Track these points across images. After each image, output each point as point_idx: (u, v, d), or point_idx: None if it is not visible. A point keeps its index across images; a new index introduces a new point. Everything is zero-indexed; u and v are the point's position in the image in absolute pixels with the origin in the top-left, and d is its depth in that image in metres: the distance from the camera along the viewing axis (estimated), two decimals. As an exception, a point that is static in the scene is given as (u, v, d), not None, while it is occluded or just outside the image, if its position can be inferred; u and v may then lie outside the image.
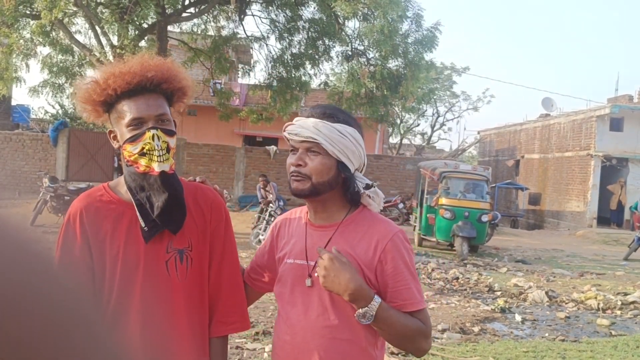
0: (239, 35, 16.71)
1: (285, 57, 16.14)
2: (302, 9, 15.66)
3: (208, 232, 2.00)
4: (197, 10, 15.54)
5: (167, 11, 14.02)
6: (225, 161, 22.40)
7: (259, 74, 49.59)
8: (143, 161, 1.83)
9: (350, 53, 16.02)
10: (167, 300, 1.90)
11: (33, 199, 16.23)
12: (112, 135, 1.92)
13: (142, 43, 15.10)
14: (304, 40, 15.91)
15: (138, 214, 1.88)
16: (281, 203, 13.29)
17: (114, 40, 14.55)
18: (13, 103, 30.58)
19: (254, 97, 21.28)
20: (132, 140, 1.83)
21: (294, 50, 16.13)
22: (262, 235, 12.45)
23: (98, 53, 14.13)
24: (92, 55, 14.17)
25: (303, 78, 16.43)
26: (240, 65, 20.63)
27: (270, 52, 16.54)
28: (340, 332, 1.87)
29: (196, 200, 2.01)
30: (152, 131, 1.81)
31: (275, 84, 16.25)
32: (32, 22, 14.30)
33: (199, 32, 16.60)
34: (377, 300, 1.78)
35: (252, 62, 18.82)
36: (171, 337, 1.90)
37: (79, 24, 16.23)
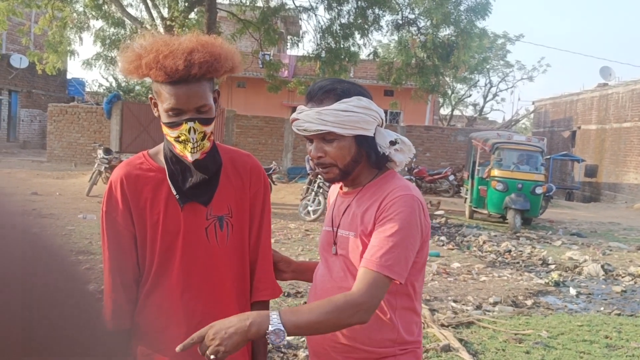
0: (287, 6, 16.60)
1: (334, 27, 15.96)
2: (351, -22, 15.43)
3: (247, 198, 1.99)
4: (246, -19, 15.49)
5: (216, -18, 14.00)
6: (274, 133, 22.48)
7: (307, 45, 49.70)
8: (178, 146, 1.83)
9: (400, 22, 15.75)
10: (207, 266, 1.90)
11: (88, 170, 16.67)
12: (153, 101, 1.89)
13: (192, 15, 15.16)
14: (353, 10, 15.69)
15: (170, 183, 1.89)
16: (330, 174, 13.25)
17: (165, 12, 14.65)
18: (68, 76, 31.36)
19: (302, 69, 21.21)
20: (169, 126, 1.81)
21: (343, 20, 15.93)
22: (311, 206, 12.48)
23: (149, 25, 14.27)
24: (143, 27, 14.31)
25: (352, 48, 16.24)
26: (288, 37, 20.56)
27: (319, 22, 16.40)
28: None
29: (235, 166, 1.99)
30: (190, 124, 1.78)
31: (323, 54, 16.11)
32: (85, -4, 14.52)
33: (248, 4, 16.56)
34: (273, 313, 1.66)
35: (300, 33, 18.71)
36: (214, 302, 1.91)
37: (131, -3, 16.40)
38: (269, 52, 19.23)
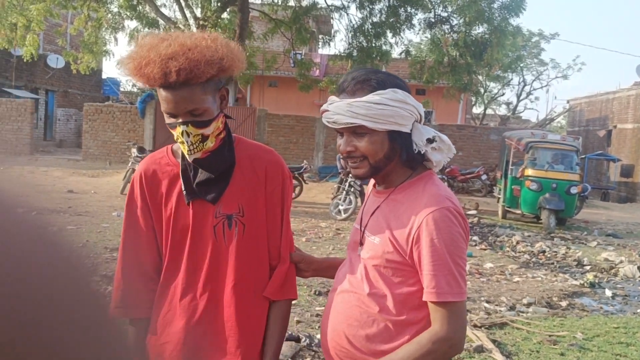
0: (319, 5, 16.61)
1: (366, 26, 15.94)
2: (383, -24, 15.39)
3: (262, 197, 1.94)
4: (278, -20, 15.56)
5: (248, -18, 14.08)
6: (306, 132, 22.51)
7: (339, 44, 49.60)
8: (180, 146, 1.85)
9: (433, 20, 15.64)
10: (213, 265, 1.89)
11: (122, 168, 16.89)
12: None
13: (225, 15, 15.26)
14: (385, 9, 15.64)
15: (181, 178, 1.90)
16: (361, 173, 13.18)
17: (198, 12, 14.77)
18: (103, 76, 31.85)
19: (334, 68, 21.21)
20: (169, 127, 1.82)
21: (375, 19, 15.90)
22: (342, 205, 12.46)
23: (182, 25, 14.41)
24: (176, 27, 14.46)
25: (384, 47, 16.18)
26: (320, 36, 20.55)
27: (351, 21, 16.39)
28: (367, 303, 1.78)
29: (252, 163, 1.94)
30: (182, 127, 1.76)
31: (355, 53, 16.10)
32: (119, -3, 14.73)
33: (280, 3, 16.61)
34: None
35: (332, 32, 18.72)
36: (214, 301, 1.90)
37: (164, -3, 16.59)
38: (300, 52, 19.27)
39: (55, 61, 25.90)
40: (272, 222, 1.97)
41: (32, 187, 0.44)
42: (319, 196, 15.86)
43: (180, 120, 1.76)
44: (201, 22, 13.66)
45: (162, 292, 1.92)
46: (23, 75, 24.87)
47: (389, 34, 16.01)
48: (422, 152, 1.80)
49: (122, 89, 32.24)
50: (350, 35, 16.25)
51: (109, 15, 15.65)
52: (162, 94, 1.76)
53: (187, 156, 1.82)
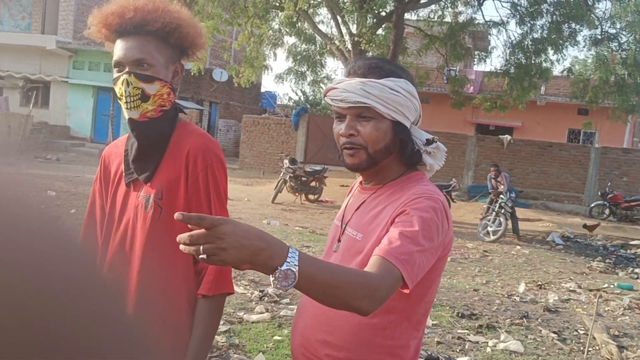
0: (476, 21, 16.29)
1: (526, 42, 15.40)
2: (546, -9, 14.81)
3: (183, 184, 1.83)
4: (435, -4, 15.47)
5: (405, -1, 14.14)
6: (456, 150, 22.08)
7: (495, 61, 48.27)
8: (122, 106, 1.81)
9: (599, 37, 14.79)
10: (130, 247, 1.85)
11: (275, 178, 17.56)
12: None
13: (379, 31, 15.42)
14: (547, 24, 15.02)
15: (124, 158, 1.91)
16: (512, 195, 12.71)
17: (353, 29, 15.05)
18: (262, 90, 33.41)
19: (488, 85, 20.67)
20: (114, 83, 1.80)
21: (536, 35, 15.31)
22: (491, 227, 12.07)
23: (338, 41, 14.75)
24: (332, 43, 14.83)
25: (544, 64, 15.54)
26: (476, 52, 20.15)
27: (510, 37, 16.01)
28: None
29: (178, 146, 1.86)
30: (124, 76, 1.75)
31: (512, 70, 15.60)
32: (280, 14, 15.38)
33: (436, 19, 16.49)
34: (294, 252, 1.27)
35: (489, 48, 18.26)
36: (128, 287, 1.83)
37: (322, 15, 17.10)
38: (454, 68, 18.98)
39: (220, 75, 27.49)
40: (197, 211, 1.77)
41: None
42: (467, 216, 15.48)
43: (126, 69, 1.76)
44: (356, 39, 13.90)
45: None
46: (190, 88, 26.67)
47: (550, 51, 15.35)
48: (421, 152, 1.73)
49: (278, 102, 33.60)
50: (508, 51, 15.79)
51: (270, 31, 16.39)
52: (116, 46, 1.78)
53: (125, 113, 1.80)
